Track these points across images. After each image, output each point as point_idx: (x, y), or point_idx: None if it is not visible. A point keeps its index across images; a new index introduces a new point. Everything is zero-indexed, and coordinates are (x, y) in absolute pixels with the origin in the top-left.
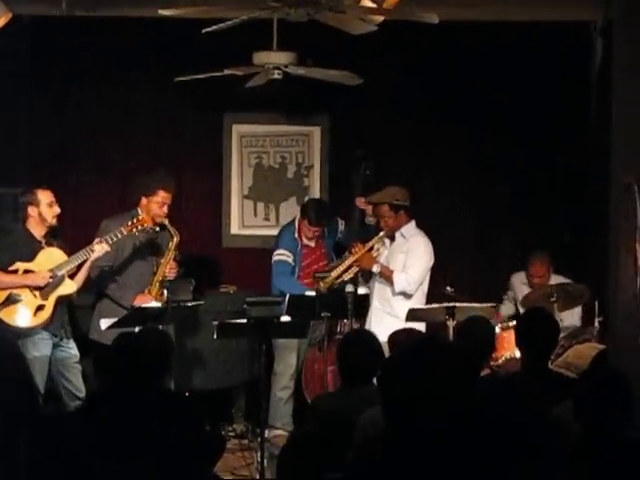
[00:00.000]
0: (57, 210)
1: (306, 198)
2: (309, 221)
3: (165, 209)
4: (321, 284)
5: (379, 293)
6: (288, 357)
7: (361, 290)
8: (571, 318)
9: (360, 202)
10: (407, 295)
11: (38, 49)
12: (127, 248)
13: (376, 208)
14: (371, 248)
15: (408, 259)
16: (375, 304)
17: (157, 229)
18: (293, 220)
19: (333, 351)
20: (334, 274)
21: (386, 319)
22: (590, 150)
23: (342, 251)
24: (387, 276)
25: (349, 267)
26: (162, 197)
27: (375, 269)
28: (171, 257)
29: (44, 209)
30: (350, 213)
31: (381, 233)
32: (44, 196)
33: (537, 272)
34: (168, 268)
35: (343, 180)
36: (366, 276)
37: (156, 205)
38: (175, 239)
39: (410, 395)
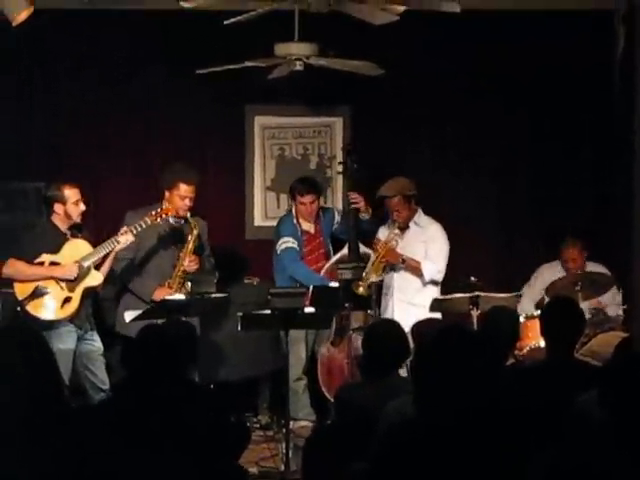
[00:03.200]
0: (83, 208)
1: (328, 189)
2: (300, 193)
3: (187, 202)
4: (360, 289)
5: (400, 285)
6: (298, 349)
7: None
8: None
9: (352, 198)
10: (434, 283)
11: (58, 42)
12: (149, 240)
13: (387, 201)
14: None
15: (431, 248)
16: (396, 295)
17: (182, 222)
18: (290, 210)
19: (346, 344)
20: (366, 275)
21: (411, 310)
22: (614, 137)
23: (336, 244)
24: (414, 267)
25: (378, 264)
26: (183, 190)
27: (401, 262)
28: (190, 249)
29: (70, 207)
30: (344, 209)
31: (394, 225)
32: (71, 194)
33: (570, 255)
34: (187, 261)
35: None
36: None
37: (177, 198)
38: (195, 231)
39: (442, 382)
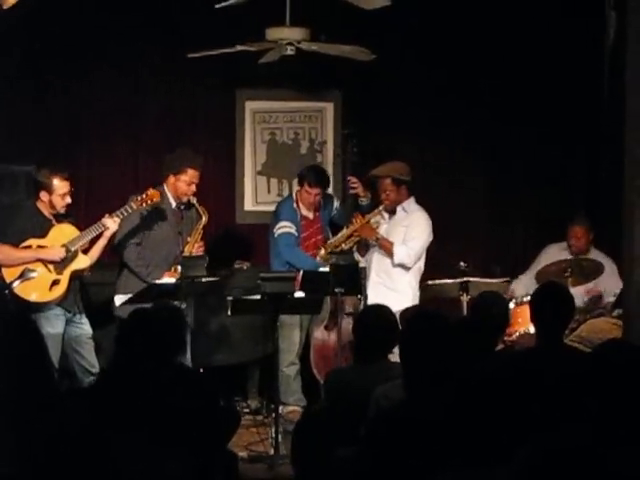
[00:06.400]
0: (68, 201)
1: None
2: (309, 183)
3: (193, 188)
4: (321, 251)
5: (377, 266)
6: (292, 334)
7: (362, 264)
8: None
9: (351, 182)
10: (406, 268)
11: (49, 25)
12: (154, 226)
13: (378, 181)
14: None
15: (409, 232)
16: (373, 278)
17: (182, 207)
18: (290, 194)
19: (339, 328)
20: (334, 242)
21: (384, 292)
22: (604, 124)
23: (336, 230)
24: (387, 248)
25: (349, 237)
26: (190, 176)
27: (375, 240)
28: (199, 236)
29: (55, 198)
30: (343, 194)
31: (380, 206)
32: (59, 186)
33: (576, 232)
34: (195, 247)
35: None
36: (362, 251)
37: (184, 183)
38: (203, 218)
39: (430, 366)
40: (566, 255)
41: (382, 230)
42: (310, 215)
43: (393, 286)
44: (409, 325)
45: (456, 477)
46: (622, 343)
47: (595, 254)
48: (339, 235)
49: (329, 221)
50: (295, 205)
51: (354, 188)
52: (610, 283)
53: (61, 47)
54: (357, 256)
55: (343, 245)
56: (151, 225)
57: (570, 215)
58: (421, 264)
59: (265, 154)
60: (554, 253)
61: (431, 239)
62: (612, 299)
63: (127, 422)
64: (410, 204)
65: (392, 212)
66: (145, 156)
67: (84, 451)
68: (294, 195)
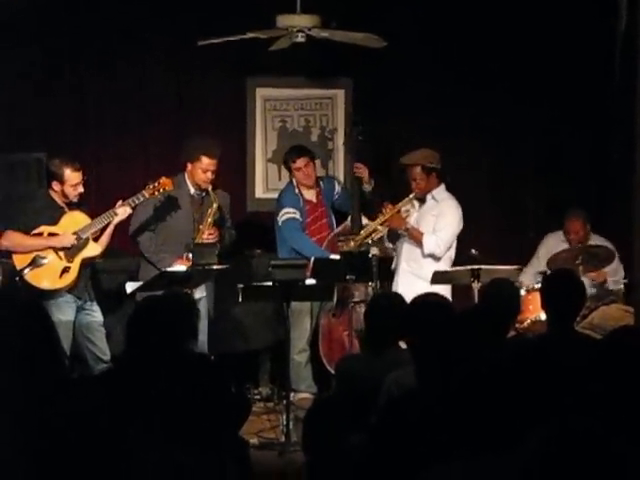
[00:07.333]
0: (80, 190)
1: (330, 162)
2: (292, 159)
3: (209, 175)
4: (351, 243)
5: (407, 255)
6: (303, 321)
7: (374, 251)
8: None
9: (357, 169)
10: (436, 258)
11: (57, 15)
12: (170, 213)
13: (408, 169)
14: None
15: (439, 222)
16: (403, 266)
17: (203, 194)
18: (290, 181)
19: (347, 316)
20: (364, 233)
21: (413, 281)
22: (615, 109)
23: (340, 216)
24: (416, 237)
25: (378, 227)
26: (205, 163)
27: (405, 230)
28: (210, 222)
29: (68, 189)
30: (346, 180)
31: (411, 195)
32: (72, 177)
33: (573, 227)
34: (207, 233)
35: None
36: (393, 238)
37: (200, 171)
38: (214, 205)
39: (440, 354)
40: (566, 246)
41: (412, 219)
42: (313, 198)
43: (423, 274)
44: (418, 313)
45: (466, 464)
46: (634, 330)
47: (595, 239)
48: (369, 227)
49: (331, 205)
50: (297, 190)
51: (359, 172)
52: (615, 267)
53: (69, 37)
54: (388, 244)
55: (373, 235)
56: (166, 212)
57: (575, 198)
58: (452, 253)
59: (276, 141)
60: (554, 243)
61: (461, 227)
62: (621, 285)
63: (138, 410)
64: (440, 192)
65: (422, 200)
66: (155, 144)
67: (95, 438)
68: (294, 181)
